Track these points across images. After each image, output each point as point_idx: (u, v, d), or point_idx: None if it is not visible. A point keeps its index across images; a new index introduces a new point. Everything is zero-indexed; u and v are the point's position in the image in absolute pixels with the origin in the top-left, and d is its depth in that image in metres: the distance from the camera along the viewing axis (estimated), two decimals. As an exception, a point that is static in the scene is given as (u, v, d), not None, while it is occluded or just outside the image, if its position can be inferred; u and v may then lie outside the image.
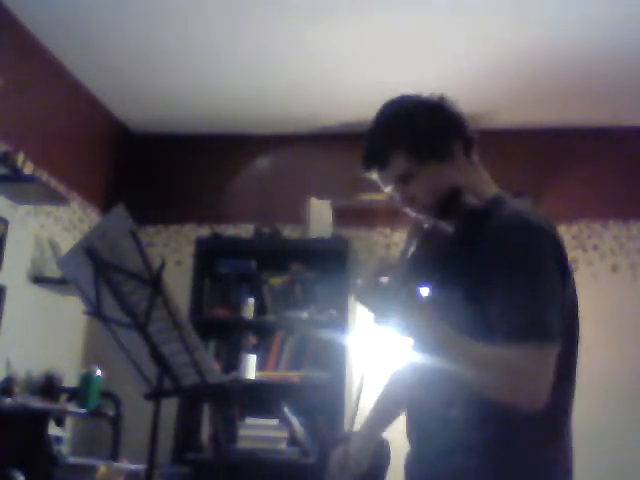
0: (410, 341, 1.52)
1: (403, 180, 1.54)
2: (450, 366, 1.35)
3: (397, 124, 1.54)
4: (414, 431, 1.53)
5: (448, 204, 1.47)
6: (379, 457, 1.63)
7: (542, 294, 1.35)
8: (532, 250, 1.38)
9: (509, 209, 1.47)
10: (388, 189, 1.60)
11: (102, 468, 3.04)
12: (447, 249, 1.42)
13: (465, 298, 1.40)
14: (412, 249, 1.44)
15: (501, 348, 1.31)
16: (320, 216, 4.19)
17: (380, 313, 1.37)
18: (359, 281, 1.42)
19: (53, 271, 3.61)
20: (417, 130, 1.52)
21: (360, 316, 4.07)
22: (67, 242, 3.73)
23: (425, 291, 1.46)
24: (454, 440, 1.41)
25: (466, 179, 1.53)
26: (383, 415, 1.74)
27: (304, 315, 4.03)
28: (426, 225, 1.50)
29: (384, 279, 1.39)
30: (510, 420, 1.37)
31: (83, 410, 3.50)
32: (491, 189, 1.58)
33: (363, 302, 1.40)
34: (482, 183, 1.58)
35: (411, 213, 1.58)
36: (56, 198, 3.62)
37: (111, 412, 3.69)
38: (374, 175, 1.60)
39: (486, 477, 1.38)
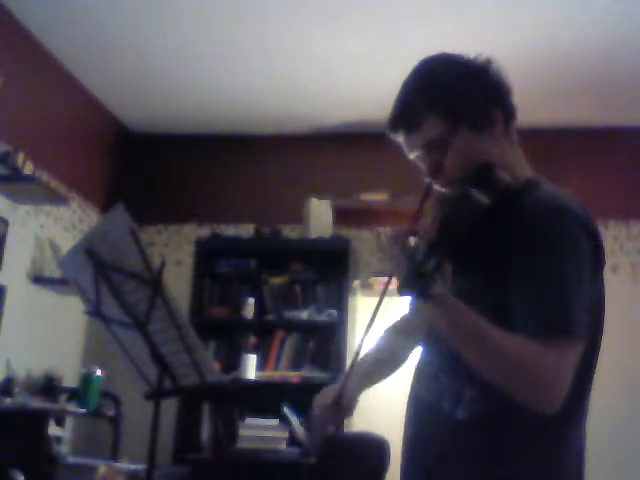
0: (428, 322, 1.36)
1: (433, 146, 1.35)
2: (470, 353, 1.24)
3: (436, 82, 1.36)
4: (416, 428, 1.45)
5: (479, 178, 1.31)
6: (379, 457, 1.62)
7: (572, 287, 1.23)
8: (565, 238, 1.26)
9: (545, 192, 1.35)
10: (413, 155, 1.41)
11: (102, 468, 3.04)
12: (476, 227, 1.27)
13: (483, 289, 1.29)
14: (440, 218, 1.27)
15: (528, 343, 1.20)
16: (320, 216, 4.19)
17: (409, 279, 1.17)
18: (385, 238, 1.25)
19: (53, 271, 3.61)
20: (457, 92, 1.35)
21: (360, 316, 4.08)
22: (67, 242, 3.73)
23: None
24: (459, 443, 1.33)
25: (502, 155, 1.38)
26: (376, 362, 1.65)
27: (304, 315, 4.03)
28: (455, 193, 1.34)
29: (412, 240, 1.22)
30: (520, 421, 1.28)
31: (83, 410, 3.50)
32: (527, 171, 1.44)
33: (394, 263, 1.21)
34: (519, 163, 1.43)
35: (435, 185, 1.40)
36: (56, 198, 3.62)
37: (111, 412, 3.69)
38: (400, 137, 1.40)
39: None
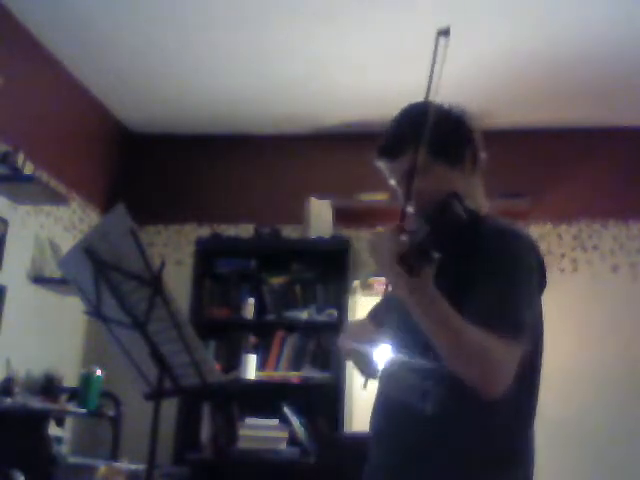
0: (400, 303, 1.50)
1: (412, 174, 1.57)
2: (439, 332, 1.39)
3: (421, 119, 1.57)
4: (384, 424, 1.57)
5: (446, 204, 1.48)
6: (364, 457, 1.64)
7: (525, 297, 1.45)
8: (521, 256, 1.48)
9: (502, 221, 1.58)
10: (393, 182, 1.65)
11: (102, 468, 3.04)
12: (453, 235, 1.45)
13: (450, 292, 1.43)
14: (423, 226, 1.43)
15: (485, 332, 1.36)
16: (320, 216, 4.19)
17: (410, 252, 1.35)
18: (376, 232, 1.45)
19: (53, 271, 3.62)
20: (439, 129, 1.57)
21: (360, 316, 4.07)
22: (67, 242, 3.73)
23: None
24: (427, 437, 1.46)
25: (468, 189, 1.59)
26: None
27: (304, 315, 4.03)
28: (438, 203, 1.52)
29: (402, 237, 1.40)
30: (485, 419, 1.44)
31: (83, 410, 3.49)
32: (485, 205, 1.67)
33: (375, 247, 1.41)
34: (480, 198, 1.66)
35: (408, 210, 1.60)
36: (56, 198, 3.62)
37: (111, 412, 3.69)
38: (384, 164, 1.66)
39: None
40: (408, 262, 1.33)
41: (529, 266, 1.49)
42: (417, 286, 1.37)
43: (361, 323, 1.87)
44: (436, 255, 1.36)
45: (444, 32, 1.60)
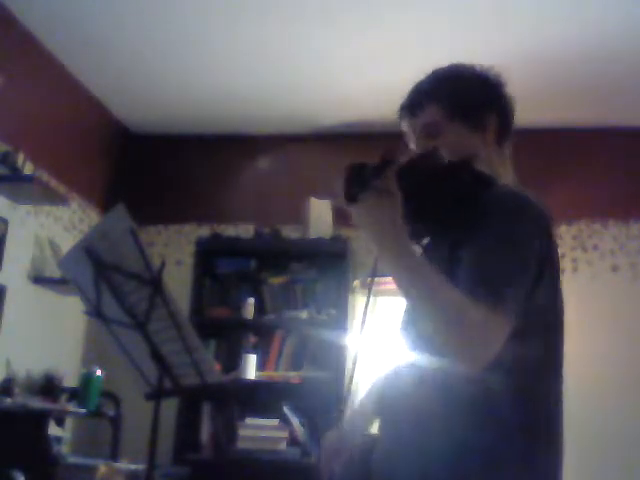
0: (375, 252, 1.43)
1: (430, 133, 1.51)
2: (412, 293, 1.31)
3: (444, 78, 1.54)
4: (390, 425, 1.51)
5: (458, 165, 1.41)
6: (367, 459, 1.63)
7: (520, 268, 1.31)
8: (522, 225, 1.35)
9: (518, 190, 1.45)
10: (413, 143, 1.56)
11: (102, 468, 3.04)
12: (430, 177, 1.38)
13: (446, 259, 1.37)
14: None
15: (468, 297, 1.25)
16: (320, 216, 4.19)
17: (356, 173, 1.33)
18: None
19: (53, 271, 3.61)
20: (460, 88, 1.52)
21: (360, 316, 4.08)
22: (67, 242, 3.73)
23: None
24: (433, 439, 1.38)
25: (487, 159, 1.49)
26: (368, 410, 1.74)
27: (304, 315, 4.03)
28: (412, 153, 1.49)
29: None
30: (496, 417, 1.34)
31: (83, 410, 3.50)
32: (507, 179, 1.54)
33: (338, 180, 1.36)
34: (503, 172, 1.54)
35: None
36: (56, 198, 3.62)
37: (111, 412, 3.69)
38: (405, 124, 1.57)
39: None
40: (347, 189, 1.32)
41: (529, 236, 1.35)
42: (359, 216, 1.32)
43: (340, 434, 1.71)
44: (379, 181, 1.30)
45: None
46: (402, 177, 1.33)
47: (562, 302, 1.43)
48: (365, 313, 1.48)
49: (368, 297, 1.47)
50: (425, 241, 1.47)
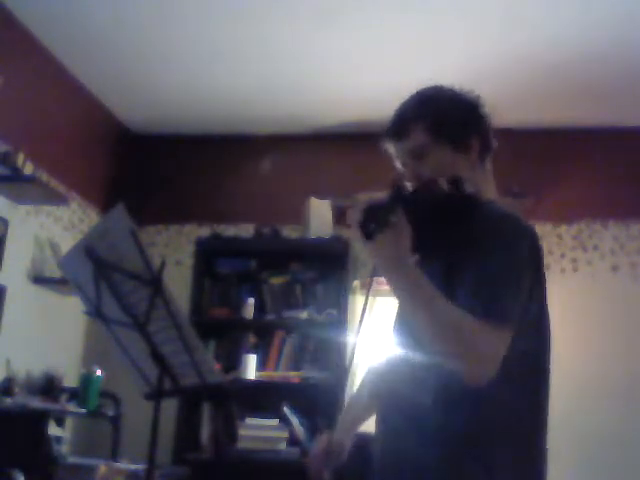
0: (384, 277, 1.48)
1: (416, 155, 1.58)
2: (416, 314, 1.39)
3: (429, 102, 1.59)
4: (387, 422, 1.55)
5: (455, 192, 1.48)
6: (365, 458, 1.63)
7: (516, 284, 1.40)
8: (515, 243, 1.43)
9: (500, 207, 1.53)
10: (399, 164, 1.64)
11: (102, 468, 3.04)
12: (435, 209, 1.45)
13: (436, 277, 1.42)
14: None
15: (469, 315, 1.34)
16: (320, 216, 4.19)
17: (353, 230, 1.38)
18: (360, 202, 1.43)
19: (53, 271, 3.62)
20: (445, 111, 1.58)
21: (360, 316, 4.08)
22: (67, 242, 3.73)
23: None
24: (429, 432, 1.43)
25: (471, 177, 1.54)
26: (357, 410, 1.82)
27: (304, 315, 4.03)
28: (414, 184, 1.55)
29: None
30: (488, 414, 1.40)
31: (83, 410, 3.50)
32: (491, 197, 1.62)
33: (354, 212, 1.40)
34: (486, 188, 1.61)
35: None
36: (56, 198, 3.62)
37: (111, 412, 3.69)
38: (391, 146, 1.64)
39: (463, 470, 1.40)
40: (364, 228, 1.36)
41: (520, 253, 1.43)
42: (375, 251, 1.38)
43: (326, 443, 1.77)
44: (393, 217, 1.37)
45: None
46: (408, 210, 1.41)
47: (548, 312, 1.51)
48: (363, 313, 1.53)
49: (367, 297, 1.50)
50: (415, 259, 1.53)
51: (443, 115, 1.57)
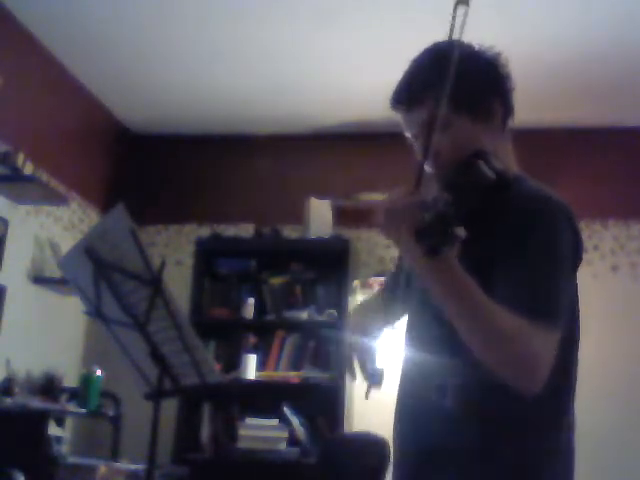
0: (420, 278, 1.31)
1: (431, 127, 1.33)
2: (463, 317, 1.23)
3: (445, 62, 1.34)
4: (404, 423, 1.46)
5: (470, 165, 1.32)
6: (379, 457, 1.62)
7: (557, 274, 1.28)
8: (551, 229, 1.30)
9: (533, 185, 1.39)
10: (410, 134, 1.44)
11: (102, 468, 3.04)
12: (480, 203, 1.28)
13: (471, 271, 1.25)
14: (450, 185, 1.26)
15: (518, 317, 1.20)
16: (320, 216, 4.19)
17: (402, 239, 1.16)
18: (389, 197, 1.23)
19: (53, 271, 3.61)
20: (464, 76, 1.34)
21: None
22: (67, 242, 3.73)
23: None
24: (449, 432, 1.34)
25: (494, 148, 1.39)
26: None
27: (304, 315, 4.03)
28: (461, 164, 1.34)
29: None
30: (506, 411, 1.30)
31: (83, 410, 3.50)
32: (514, 168, 1.48)
33: (388, 220, 1.20)
34: (508, 159, 1.46)
35: (426, 171, 1.37)
36: (56, 198, 3.62)
37: (111, 412, 3.69)
38: (400, 113, 1.44)
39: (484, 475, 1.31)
40: (427, 241, 1.12)
41: (564, 240, 1.30)
42: (439, 268, 1.19)
43: (369, 307, 1.62)
44: (461, 232, 1.13)
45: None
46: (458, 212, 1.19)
47: (577, 294, 1.43)
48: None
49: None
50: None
51: (463, 81, 1.33)
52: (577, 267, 1.39)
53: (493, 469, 1.30)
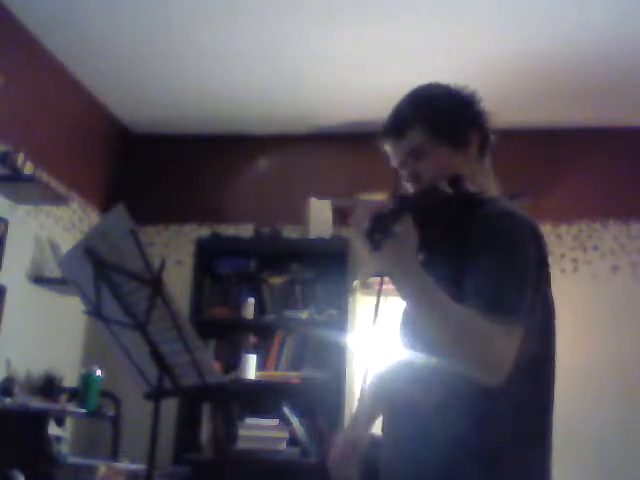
0: (389, 282, 1.47)
1: (414, 155, 1.57)
2: (426, 318, 1.39)
3: (425, 100, 1.59)
4: (394, 426, 1.53)
5: (449, 182, 1.49)
6: (374, 459, 1.62)
7: (521, 279, 1.38)
8: (518, 240, 1.42)
9: (503, 203, 1.52)
10: (397, 163, 1.63)
11: (102, 468, 3.04)
12: (437, 212, 1.46)
13: (444, 278, 1.40)
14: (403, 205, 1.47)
15: (479, 315, 1.32)
16: (320, 216, 4.19)
17: (359, 241, 1.41)
18: (359, 210, 1.46)
19: (53, 271, 3.62)
20: (442, 110, 1.57)
21: (360, 316, 4.08)
22: (67, 242, 3.73)
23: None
24: (433, 436, 1.40)
25: (472, 174, 1.54)
26: (370, 408, 1.76)
27: (304, 315, 4.03)
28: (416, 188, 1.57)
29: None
30: (492, 415, 1.38)
31: (83, 410, 3.49)
32: (493, 191, 1.61)
33: (358, 221, 1.43)
34: (487, 184, 1.60)
35: (410, 190, 1.62)
36: (56, 198, 3.62)
37: (111, 412, 3.69)
38: (388, 146, 1.64)
39: (471, 476, 1.37)
40: (371, 237, 1.37)
41: (525, 251, 1.41)
42: (384, 260, 1.39)
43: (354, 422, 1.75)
44: (399, 227, 1.38)
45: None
46: (413, 215, 1.43)
47: (553, 306, 1.50)
48: (376, 314, 1.49)
49: (378, 297, 1.47)
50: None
51: (440, 113, 1.57)
52: (546, 281, 1.48)
53: (474, 460, 1.38)
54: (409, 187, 1.61)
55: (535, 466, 1.44)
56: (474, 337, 1.31)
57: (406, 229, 1.40)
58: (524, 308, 1.36)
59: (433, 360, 1.41)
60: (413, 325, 1.51)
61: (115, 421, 3.72)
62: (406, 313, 1.59)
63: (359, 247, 1.43)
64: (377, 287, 1.47)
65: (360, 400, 1.78)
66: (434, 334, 1.37)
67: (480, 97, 1.64)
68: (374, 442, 1.65)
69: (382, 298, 1.46)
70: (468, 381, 1.34)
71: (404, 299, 1.41)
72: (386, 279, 1.46)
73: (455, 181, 1.47)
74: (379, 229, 1.37)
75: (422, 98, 1.61)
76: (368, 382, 1.79)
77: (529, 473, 1.42)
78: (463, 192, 1.45)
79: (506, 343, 1.31)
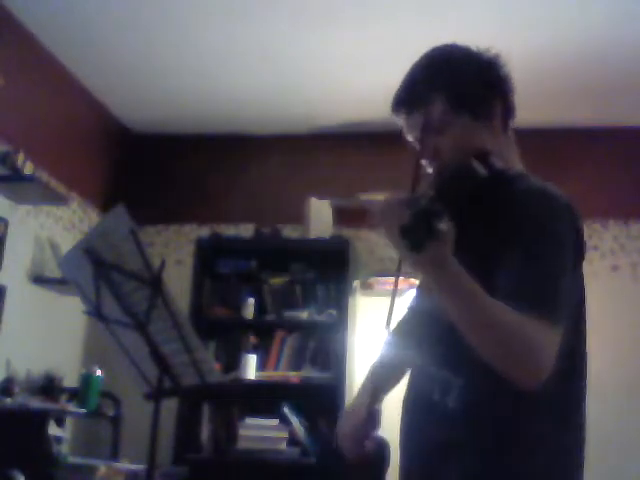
0: (420, 279, 1.35)
1: (432, 128, 1.38)
2: (463, 313, 1.23)
3: (442, 66, 1.40)
4: (409, 423, 1.45)
5: (462, 164, 1.34)
6: (379, 457, 1.61)
7: (558, 271, 1.28)
8: (553, 224, 1.30)
9: (535, 181, 1.39)
10: (411, 137, 1.45)
11: (102, 468, 3.04)
12: (471, 199, 1.29)
13: (473, 266, 1.25)
14: (438, 182, 1.30)
15: (519, 314, 1.19)
16: (320, 216, 4.19)
17: (392, 238, 1.19)
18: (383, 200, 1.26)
19: (53, 271, 3.61)
20: (462, 77, 1.39)
21: (360, 316, 4.08)
22: (67, 242, 3.73)
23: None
24: (453, 433, 1.33)
25: (496, 147, 1.40)
26: (389, 369, 1.65)
27: (304, 315, 4.03)
28: (454, 162, 1.36)
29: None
30: (511, 410, 1.29)
31: (83, 410, 3.50)
32: (518, 167, 1.48)
33: (381, 222, 1.23)
34: (512, 157, 1.47)
35: (428, 168, 1.43)
36: (56, 198, 3.62)
37: (111, 412, 3.69)
38: (401, 116, 1.45)
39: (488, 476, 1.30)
40: (410, 237, 1.15)
41: (563, 234, 1.31)
42: (424, 262, 1.20)
43: (357, 403, 1.60)
44: (444, 225, 1.16)
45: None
46: (449, 206, 1.23)
47: (584, 290, 1.44)
48: (390, 313, 1.36)
49: (393, 297, 1.35)
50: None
51: (461, 81, 1.38)
52: (580, 263, 1.40)
53: (494, 469, 1.29)
54: (428, 165, 1.41)
55: (573, 458, 1.39)
56: (521, 344, 1.20)
57: (449, 227, 1.20)
58: (564, 306, 1.26)
59: (451, 358, 1.32)
60: (438, 326, 1.37)
61: (115, 421, 3.72)
62: (428, 315, 1.44)
63: (392, 244, 1.23)
64: (392, 287, 1.36)
65: (367, 376, 1.65)
66: (476, 337, 1.23)
67: (503, 61, 1.49)
68: (379, 444, 1.63)
69: (395, 298, 1.34)
70: (485, 380, 1.25)
71: (446, 302, 1.25)
72: (383, 280, 1.41)
73: (482, 158, 1.32)
74: (422, 227, 1.14)
75: (440, 63, 1.43)
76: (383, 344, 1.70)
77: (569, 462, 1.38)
78: (496, 171, 1.30)
79: (548, 345, 1.21)
